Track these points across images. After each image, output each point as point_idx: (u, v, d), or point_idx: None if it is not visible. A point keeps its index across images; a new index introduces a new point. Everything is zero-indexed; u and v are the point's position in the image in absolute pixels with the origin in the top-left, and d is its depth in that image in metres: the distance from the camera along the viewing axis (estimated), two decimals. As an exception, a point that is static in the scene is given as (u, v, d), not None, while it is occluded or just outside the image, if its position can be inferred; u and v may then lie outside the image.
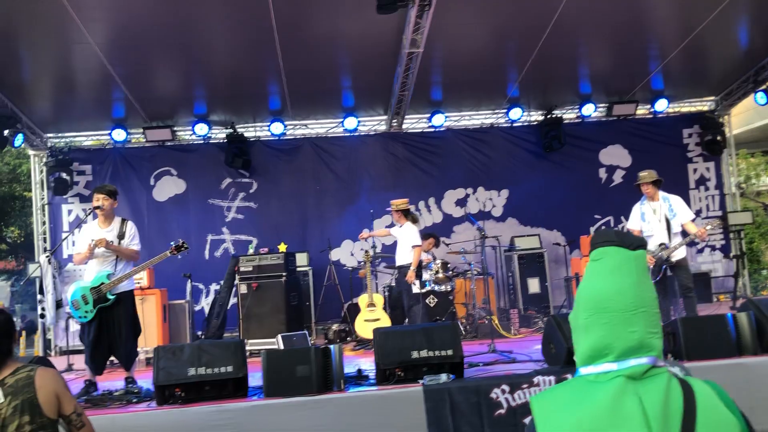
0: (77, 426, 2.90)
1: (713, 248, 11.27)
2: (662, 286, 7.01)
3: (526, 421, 1.47)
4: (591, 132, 11.23)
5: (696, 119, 11.41)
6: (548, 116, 10.94)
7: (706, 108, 11.58)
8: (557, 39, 8.65)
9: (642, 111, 11.30)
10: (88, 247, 5.81)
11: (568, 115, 11.21)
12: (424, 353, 5.30)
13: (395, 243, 10.52)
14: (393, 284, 8.84)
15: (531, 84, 10.14)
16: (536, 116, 11.21)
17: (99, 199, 5.96)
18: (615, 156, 11.23)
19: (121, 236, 5.99)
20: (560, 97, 10.92)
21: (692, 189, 11.35)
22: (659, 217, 7.01)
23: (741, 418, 1.43)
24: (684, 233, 6.98)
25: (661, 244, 6.94)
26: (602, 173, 11.22)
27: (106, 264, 5.88)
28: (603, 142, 11.25)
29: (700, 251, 11.22)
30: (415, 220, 8.51)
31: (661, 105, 11.07)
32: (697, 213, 11.22)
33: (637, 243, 1.56)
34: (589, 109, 10.92)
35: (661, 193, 7.10)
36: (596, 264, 1.57)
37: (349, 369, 5.72)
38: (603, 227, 11.00)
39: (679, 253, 6.92)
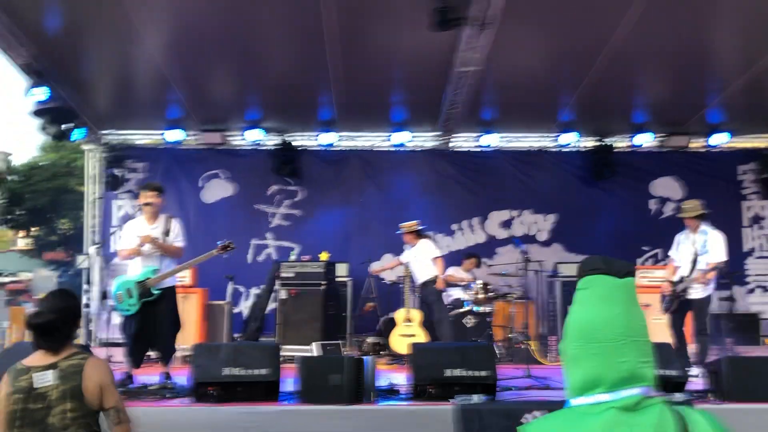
0: (114, 422, 2.93)
1: (765, 289, 10.90)
2: (677, 318, 6.87)
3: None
4: (643, 162, 11.03)
5: (753, 156, 11.09)
6: (600, 143, 10.79)
7: (764, 145, 11.26)
8: (613, 65, 8.51)
9: (696, 144, 11.04)
10: (136, 244, 5.94)
11: (620, 143, 11.02)
12: (458, 372, 5.26)
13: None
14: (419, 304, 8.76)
15: (584, 109, 10.00)
16: (587, 142, 11.06)
17: (149, 197, 6.09)
18: (667, 188, 10.99)
19: (166, 233, 6.12)
20: (613, 125, 10.75)
21: (745, 227, 11.02)
22: (691, 250, 6.86)
23: None
24: None
25: (681, 278, 6.83)
26: (652, 204, 11.00)
27: (151, 259, 6.00)
28: (655, 173, 11.03)
29: (751, 291, 10.88)
30: (428, 238, 8.74)
31: (718, 139, 10.76)
32: (750, 252, 10.91)
33: (625, 270, 1.53)
34: (642, 139, 10.71)
35: (703, 227, 6.93)
36: (584, 293, 1.55)
37: (381, 382, 5.70)
38: (650, 259, 10.77)
39: (697, 292, 6.74)
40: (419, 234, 8.61)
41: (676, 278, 6.90)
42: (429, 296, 8.32)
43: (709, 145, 10.94)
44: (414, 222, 8.66)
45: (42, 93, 8.26)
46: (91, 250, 7.73)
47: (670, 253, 7.25)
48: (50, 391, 2.81)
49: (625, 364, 1.44)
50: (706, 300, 6.83)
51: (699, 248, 6.82)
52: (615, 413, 1.41)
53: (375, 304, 9.60)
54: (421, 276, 8.42)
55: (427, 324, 8.30)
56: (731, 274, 9.67)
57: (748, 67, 8.75)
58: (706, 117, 10.36)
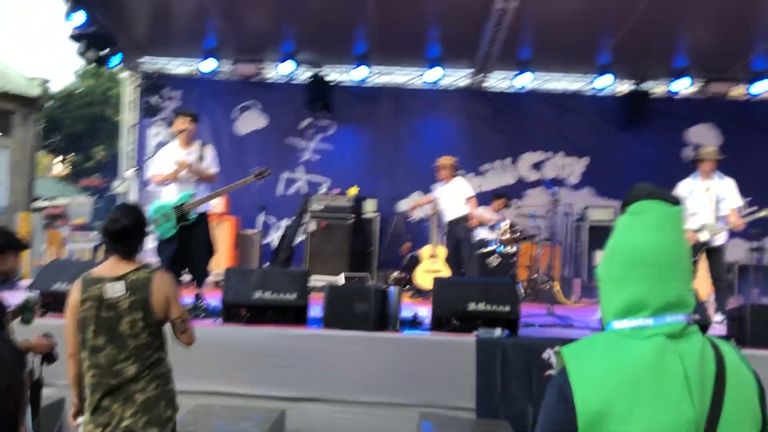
0: (180, 330, 3.16)
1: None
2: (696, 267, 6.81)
3: (552, 372, 1.48)
4: (680, 109, 10.78)
5: (796, 106, 10.80)
6: (636, 88, 10.58)
7: (809, 95, 10.93)
8: (656, 6, 8.28)
9: (737, 92, 10.75)
10: (173, 170, 6.06)
11: (659, 88, 10.80)
12: (481, 306, 5.38)
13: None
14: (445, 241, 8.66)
15: (623, 52, 9.74)
16: (625, 86, 10.85)
17: (184, 122, 6.19)
18: (704, 136, 10.75)
19: (200, 159, 6.24)
20: (652, 69, 10.50)
21: (783, 179, 10.82)
22: (710, 197, 6.77)
23: (756, 378, 1.47)
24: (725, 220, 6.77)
25: (703, 225, 6.71)
26: (688, 152, 10.83)
27: (187, 185, 6.13)
28: (692, 120, 10.80)
29: (779, 243, 10.76)
30: (461, 177, 8.65)
31: (760, 87, 10.47)
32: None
33: (675, 200, 1.55)
34: (681, 84, 10.45)
35: (717, 173, 6.88)
36: (636, 217, 1.55)
37: (406, 313, 5.85)
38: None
39: (721, 238, 6.75)
40: (454, 171, 8.53)
41: (695, 227, 6.73)
42: (459, 233, 8.33)
43: (751, 94, 10.65)
44: (452, 158, 8.53)
45: (80, 17, 8.33)
46: (129, 173, 7.91)
47: None
48: (121, 301, 3.00)
49: (674, 290, 1.46)
50: (725, 246, 6.88)
51: (719, 194, 6.77)
52: (662, 340, 1.43)
53: (410, 243, 9.66)
54: (452, 213, 8.41)
55: (453, 261, 8.39)
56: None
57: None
58: (751, 64, 10.06)
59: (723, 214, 6.72)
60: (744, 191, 10.51)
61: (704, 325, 5.39)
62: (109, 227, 3.09)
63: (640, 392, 1.39)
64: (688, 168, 10.58)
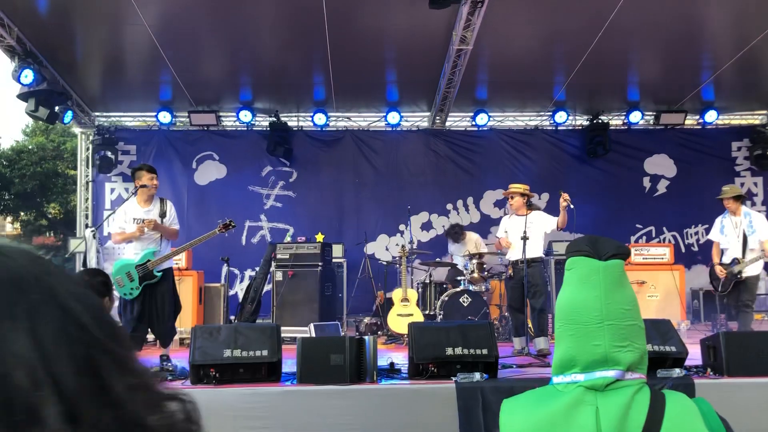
0: None
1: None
2: (732, 299, 7.09)
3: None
4: (637, 140, 11.04)
5: (746, 132, 11.14)
6: (594, 121, 10.78)
7: (757, 122, 11.31)
8: (608, 43, 8.49)
9: (690, 121, 11.07)
10: (138, 228, 5.87)
11: (615, 121, 11.04)
12: (458, 350, 5.26)
13: (431, 240, 10.58)
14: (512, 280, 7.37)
15: (578, 88, 9.99)
16: (582, 121, 11.06)
17: (148, 179, 6.01)
18: (660, 165, 11.02)
19: (162, 215, 6.06)
20: (607, 103, 10.75)
21: (739, 203, 11.08)
22: (738, 232, 7.18)
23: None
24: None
25: (734, 259, 7.12)
26: (646, 182, 11.03)
27: (149, 242, 5.95)
28: (649, 150, 11.05)
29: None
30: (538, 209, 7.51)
31: (711, 116, 10.81)
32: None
33: (612, 252, 1.50)
34: (636, 117, 10.71)
35: (744, 209, 7.31)
36: (568, 274, 1.55)
37: (382, 362, 5.70)
38: (643, 237, 10.81)
39: (751, 270, 7.09)
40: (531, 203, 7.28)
41: (727, 260, 7.20)
42: (537, 277, 7.15)
43: (705, 122, 10.96)
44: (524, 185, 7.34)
45: (29, 75, 8.14)
46: (87, 233, 7.66)
47: (713, 236, 7.50)
48: None
49: (599, 348, 1.44)
50: (758, 277, 7.24)
51: (746, 229, 7.15)
52: (582, 391, 1.43)
53: (382, 292, 9.45)
54: (532, 251, 7.11)
55: (518, 306, 7.34)
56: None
57: (741, 46, 8.75)
58: (701, 95, 10.37)
59: (754, 247, 7.10)
60: (700, 217, 10.81)
61: (680, 357, 5.37)
62: None
63: None
64: (649, 198, 10.89)
